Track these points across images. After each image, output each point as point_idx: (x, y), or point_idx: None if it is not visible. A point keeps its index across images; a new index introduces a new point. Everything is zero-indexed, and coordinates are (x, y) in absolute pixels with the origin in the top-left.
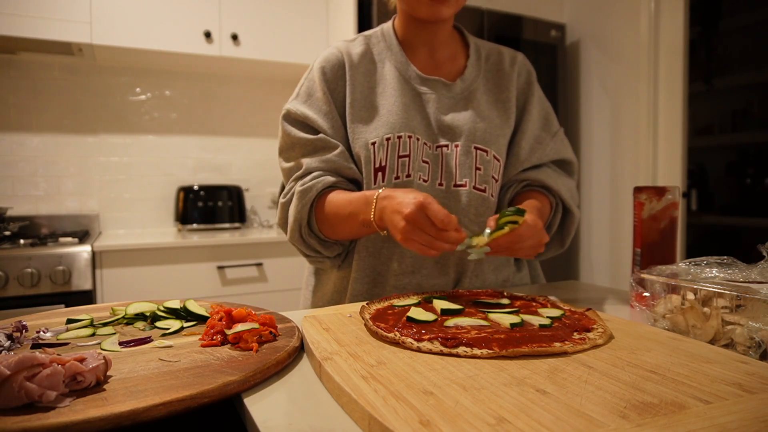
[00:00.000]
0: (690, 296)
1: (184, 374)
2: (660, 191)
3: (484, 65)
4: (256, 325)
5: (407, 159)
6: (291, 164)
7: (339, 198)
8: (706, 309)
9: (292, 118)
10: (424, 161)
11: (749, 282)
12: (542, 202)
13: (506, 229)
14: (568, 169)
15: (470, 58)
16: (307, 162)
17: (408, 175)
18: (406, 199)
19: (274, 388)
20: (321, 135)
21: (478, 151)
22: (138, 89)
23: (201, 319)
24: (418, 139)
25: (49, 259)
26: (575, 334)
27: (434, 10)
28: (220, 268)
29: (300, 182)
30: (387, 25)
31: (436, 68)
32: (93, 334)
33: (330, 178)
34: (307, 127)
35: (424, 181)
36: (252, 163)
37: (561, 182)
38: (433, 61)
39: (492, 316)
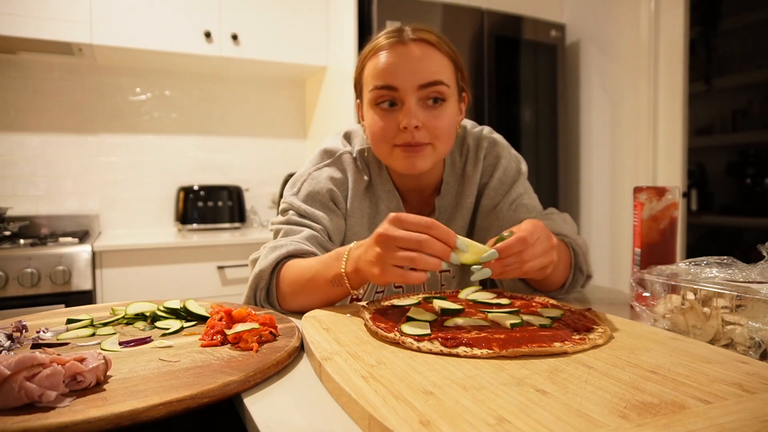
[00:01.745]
0: (690, 296)
1: (184, 374)
2: (660, 191)
3: (457, 173)
4: (256, 325)
5: (381, 293)
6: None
7: (305, 260)
8: (706, 309)
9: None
10: (397, 287)
11: (749, 282)
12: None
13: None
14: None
15: (445, 173)
16: (288, 228)
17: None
18: (375, 232)
19: (274, 388)
20: (318, 226)
21: (443, 273)
22: (138, 89)
23: (201, 319)
24: None
25: (49, 259)
26: (575, 334)
27: (409, 163)
28: (220, 268)
29: (277, 240)
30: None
31: (423, 205)
32: (93, 334)
33: (306, 247)
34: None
35: None
36: (252, 163)
37: (559, 222)
38: (421, 200)
39: (492, 316)
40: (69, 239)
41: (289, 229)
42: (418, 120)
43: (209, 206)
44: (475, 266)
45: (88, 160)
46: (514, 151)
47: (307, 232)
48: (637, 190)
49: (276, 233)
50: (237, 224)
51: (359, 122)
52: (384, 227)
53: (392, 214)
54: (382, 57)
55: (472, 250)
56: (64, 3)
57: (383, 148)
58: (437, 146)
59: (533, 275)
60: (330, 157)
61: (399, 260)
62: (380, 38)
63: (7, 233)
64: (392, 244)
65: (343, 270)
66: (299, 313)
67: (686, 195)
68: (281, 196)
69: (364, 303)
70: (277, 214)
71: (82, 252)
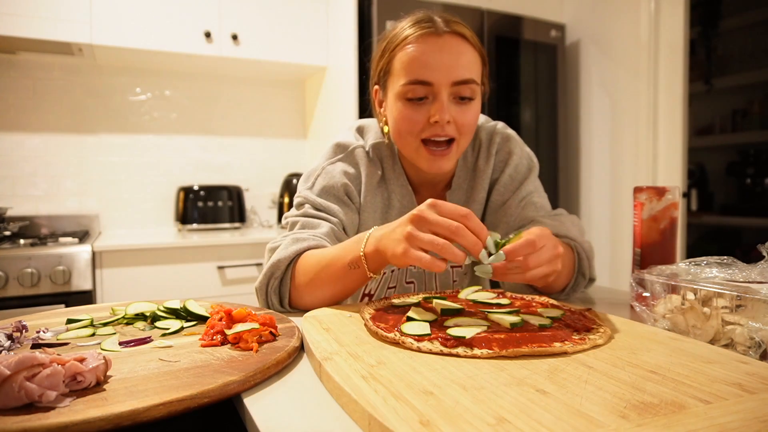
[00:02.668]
0: (690, 296)
1: (184, 374)
2: (660, 191)
3: (468, 168)
4: (256, 325)
5: (393, 290)
6: (298, 217)
7: (323, 249)
8: (706, 309)
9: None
10: (408, 282)
11: (749, 282)
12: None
13: (515, 237)
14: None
15: (457, 167)
16: (306, 221)
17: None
18: (410, 213)
19: (274, 388)
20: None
21: (454, 268)
22: (138, 89)
23: (201, 319)
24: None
25: (49, 259)
26: (575, 334)
27: (434, 164)
28: (220, 268)
29: (298, 231)
30: (396, 155)
31: (436, 198)
32: (93, 334)
33: (327, 245)
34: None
35: None
36: (252, 163)
37: (567, 223)
38: (433, 194)
39: (492, 316)
40: (69, 239)
41: (306, 222)
42: (450, 115)
43: (209, 206)
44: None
45: (88, 160)
46: (527, 149)
47: (326, 226)
48: (637, 190)
49: (292, 225)
50: (237, 224)
51: (374, 110)
52: (420, 209)
53: (430, 200)
54: (416, 48)
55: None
56: (64, 3)
57: (409, 142)
58: (461, 142)
59: (535, 282)
60: (343, 151)
61: (427, 244)
62: (410, 27)
63: (7, 233)
64: (425, 227)
65: (362, 252)
66: (299, 313)
67: (686, 195)
68: (281, 196)
69: (364, 302)
70: (288, 209)
71: (82, 252)
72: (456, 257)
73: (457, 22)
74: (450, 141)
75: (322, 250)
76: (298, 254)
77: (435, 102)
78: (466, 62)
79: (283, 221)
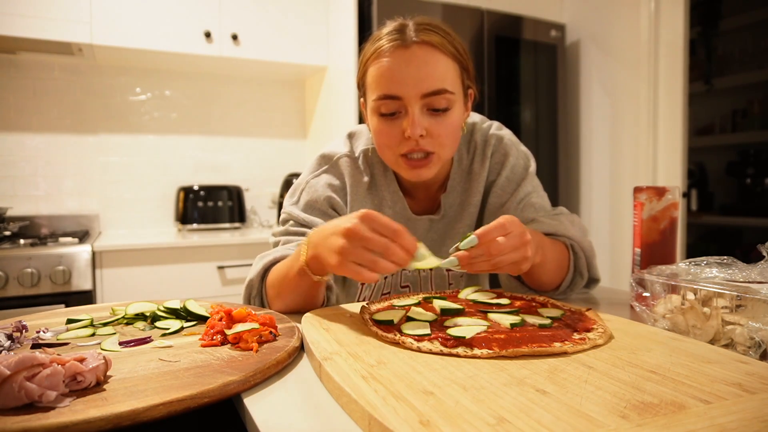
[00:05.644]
0: (690, 296)
1: (184, 374)
2: (660, 191)
3: (463, 171)
4: (256, 325)
5: (387, 295)
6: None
7: (282, 261)
8: (706, 309)
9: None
10: (403, 286)
11: (749, 282)
12: (553, 243)
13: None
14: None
15: (452, 170)
16: (287, 239)
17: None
18: (345, 218)
19: (274, 388)
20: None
21: (449, 272)
22: (138, 89)
23: (201, 319)
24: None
25: (49, 259)
26: (575, 334)
27: (414, 173)
28: (220, 268)
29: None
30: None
31: (430, 202)
32: (93, 334)
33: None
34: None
35: None
36: (252, 163)
37: (566, 223)
38: (428, 196)
39: (492, 316)
40: (69, 239)
41: (287, 240)
42: (422, 129)
43: (209, 206)
44: (447, 260)
45: (88, 160)
46: (523, 148)
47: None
48: (637, 190)
49: (275, 245)
50: (237, 224)
51: (365, 121)
52: (354, 223)
53: (364, 212)
54: (385, 62)
55: (428, 260)
56: (64, 3)
57: (388, 156)
58: (441, 154)
59: (505, 271)
60: (327, 162)
61: (361, 259)
62: (382, 38)
63: (7, 233)
64: (358, 243)
65: (303, 260)
66: (299, 314)
67: (686, 195)
68: (281, 196)
69: (364, 303)
70: (278, 224)
71: (82, 252)
72: (387, 270)
73: (428, 29)
74: (428, 153)
75: (282, 261)
76: (266, 269)
77: (407, 116)
78: (437, 72)
79: (271, 239)
